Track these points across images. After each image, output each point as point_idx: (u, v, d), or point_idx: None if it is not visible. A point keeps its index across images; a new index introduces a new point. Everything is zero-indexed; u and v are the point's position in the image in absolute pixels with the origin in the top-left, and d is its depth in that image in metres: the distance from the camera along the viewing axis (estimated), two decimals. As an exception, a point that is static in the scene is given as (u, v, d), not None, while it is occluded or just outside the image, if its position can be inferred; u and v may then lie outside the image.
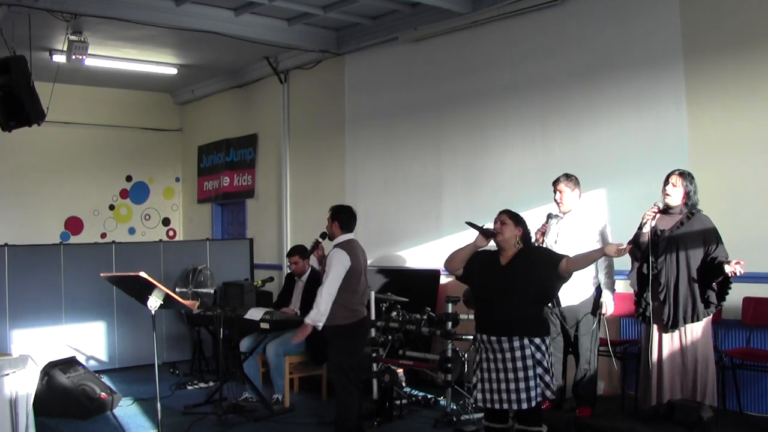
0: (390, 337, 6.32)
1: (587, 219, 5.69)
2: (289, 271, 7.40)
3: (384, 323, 6.36)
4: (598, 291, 5.62)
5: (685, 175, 5.15)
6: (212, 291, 8.54)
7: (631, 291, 5.49)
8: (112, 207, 11.85)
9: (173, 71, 10.36)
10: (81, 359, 7.24)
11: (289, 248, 8.18)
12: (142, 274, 5.03)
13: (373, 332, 6.25)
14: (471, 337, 5.76)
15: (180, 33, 8.42)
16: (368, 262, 5.90)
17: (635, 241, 5.20)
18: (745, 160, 5.68)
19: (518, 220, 4.41)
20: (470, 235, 4.47)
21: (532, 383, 4.17)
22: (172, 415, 6.28)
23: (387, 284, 7.78)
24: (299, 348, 6.59)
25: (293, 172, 10.01)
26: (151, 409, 5.93)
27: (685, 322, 5.03)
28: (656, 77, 6.19)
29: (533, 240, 4.87)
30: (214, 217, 11.78)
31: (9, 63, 6.70)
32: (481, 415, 5.15)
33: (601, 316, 5.57)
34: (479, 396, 4.36)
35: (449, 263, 4.50)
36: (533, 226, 5.23)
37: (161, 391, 5.46)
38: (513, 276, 4.28)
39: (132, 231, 11.99)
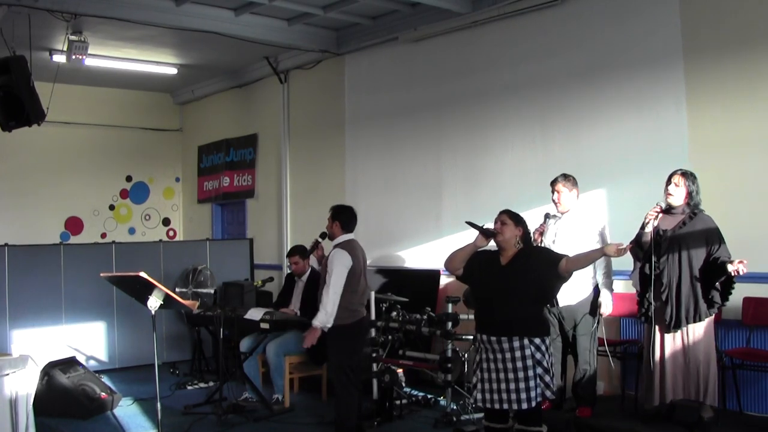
0: (390, 337, 6.32)
1: (585, 219, 5.68)
2: (289, 271, 7.40)
3: (384, 323, 6.36)
4: (597, 291, 5.61)
5: (688, 175, 5.15)
6: (212, 291, 8.54)
7: (631, 291, 5.49)
8: (112, 207, 11.84)
9: (173, 71, 10.36)
10: (81, 359, 7.24)
11: (289, 248, 8.18)
12: (142, 274, 5.02)
13: (373, 332, 6.24)
14: (471, 337, 5.76)
15: (180, 33, 8.42)
16: (368, 262, 5.90)
17: (637, 241, 5.19)
18: (745, 160, 5.68)
19: (518, 220, 4.42)
20: (470, 235, 4.47)
21: (532, 383, 4.17)
22: (172, 415, 6.28)
23: (387, 284, 7.78)
24: (299, 348, 6.58)
25: (293, 172, 10.00)
26: (151, 409, 5.94)
27: (688, 323, 5.03)
28: (656, 77, 6.18)
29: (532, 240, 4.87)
30: (214, 217, 11.77)
31: (9, 63, 6.70)
32: (481, 415, 5.15)
33: (600, 316, 5.58)
34: (479, 396, 4.36)
35: (449, 263, 4.50)
36: (533, 226, 5.24)
37: (161, 391, 5.45)
38: (513, 276, 4.28)
39: (132, 231, 11.98)
